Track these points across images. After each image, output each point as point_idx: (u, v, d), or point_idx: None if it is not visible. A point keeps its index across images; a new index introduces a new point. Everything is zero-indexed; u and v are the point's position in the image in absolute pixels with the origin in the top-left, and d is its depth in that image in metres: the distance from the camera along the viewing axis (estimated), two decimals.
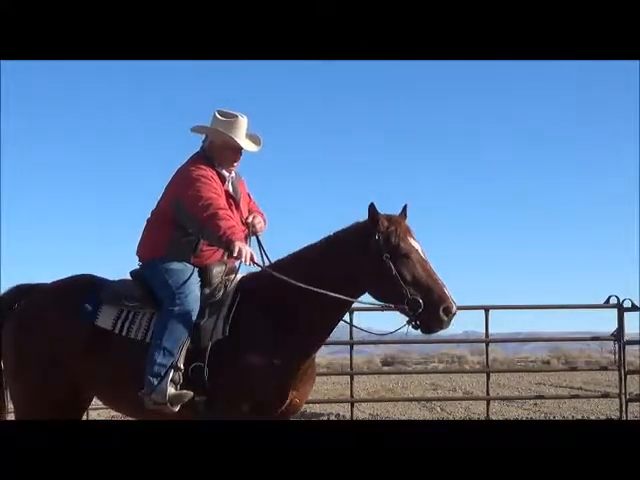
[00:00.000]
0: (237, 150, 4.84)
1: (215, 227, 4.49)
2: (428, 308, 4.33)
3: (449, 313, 4.35)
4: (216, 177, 4.72)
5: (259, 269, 4.71)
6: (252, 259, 4.50)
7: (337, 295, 4.45)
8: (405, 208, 4.62)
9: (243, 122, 4.84)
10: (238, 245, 4.42)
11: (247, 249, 4.47)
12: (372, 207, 4.50)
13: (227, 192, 4.80)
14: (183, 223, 4.67)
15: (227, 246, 4.46)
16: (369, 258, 4.45)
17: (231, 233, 4.46)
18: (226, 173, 4.84)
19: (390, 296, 4.45)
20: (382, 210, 4.56)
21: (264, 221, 5.00)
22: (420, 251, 4.50)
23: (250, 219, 4.88)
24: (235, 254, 4.42)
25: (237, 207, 4.84)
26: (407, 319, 4.42)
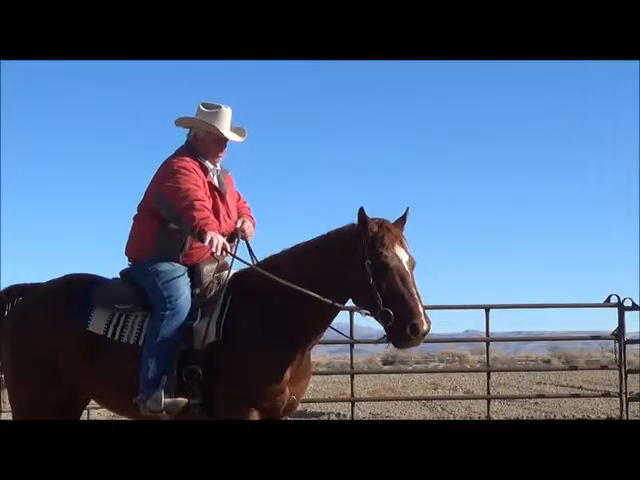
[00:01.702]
0: (221, 141, 4.80)
1: (189, 218, 4.46)
2: (397, 323, 4.18)
3: (416, 331, 4.16)
4: (198, 169, 4.68)
5: (248, 266, 4.69)
6: (224, 249, 4.44)
7: (317, 296, 4.36)
8: (406, 212, 4.50)
9: (227, 112, 4.80)
10: (210, 235, 4.38)
11: (219, 239, 4.41)
12: (361, 211, 4.37)
13: (211, 184, 4.74)
14: (164, 216, 4.64)
15: (199, 236, 4.43)
16: (352, 263, 4.33)
17: (204, 224, 4.42)
18: (210, 165, 4.80)
19: (365, 304, 4.36)
20: (385, 211, 4.49)
21: (253, 225, 4.96)
22: (405, 262, 4.32)
23: (239, 224, 4.84)
24: (206, 243, 4.38)
25: (223, 200, 4.79)
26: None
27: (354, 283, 4.35)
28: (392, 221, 4.49)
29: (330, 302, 4.40)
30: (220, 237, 4.44)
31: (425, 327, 4.17)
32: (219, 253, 4.42)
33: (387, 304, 4.22)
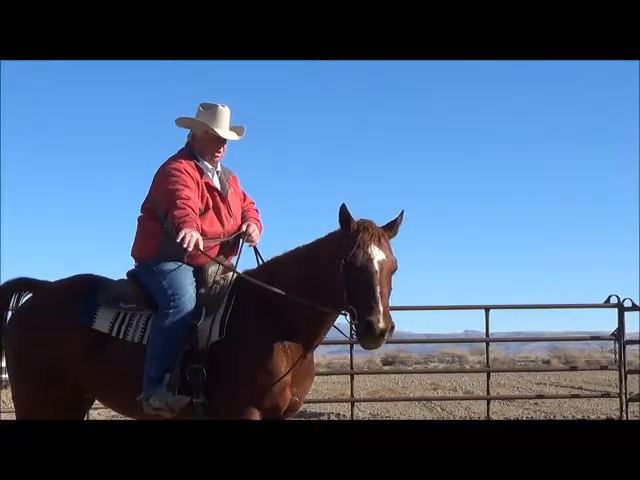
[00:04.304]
0: (218, 140, 4.81)
1: (171, 217, 4.50)
2: (358, 321, 4.13)
3: (371, 329, 4.04)
4: (192, 169, 4.70)
5: (255, 265, 4.76)
6: (197, 246, 4.41)
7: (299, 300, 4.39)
8: (401, 214, 4.44)
9: (224, 112, 4.82)
10: (184, 231, 4.37)
11: (192, 235, 4.37)
12: (343, 208, 4.33)
13: (208, 184, 4.76)
14: (159, 217, 4.68)
15: (176, 234, 4.41)
16: (333, 262, 4.28)
17: (182, 222, 4.43)
18: (209, 165, 4.83)
19: (337, 303, 4.32)
20: (388, 211, 4.46)
21: (259, 228, 4.96)
22: (376, 261, 4.20)
23: (244, 228, 4.84)
24: (178, 240, 4.36)
25: (223, 200, 4.80)
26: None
27: (330, 282, 4.31)
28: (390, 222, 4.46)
29: (326, 310, 4.41)
30: (195, 233, 4.41)
31: (381, 325, 4.05)
32: (190, 249, 4.40)
33: (353, 303, 4.18)
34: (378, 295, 4.13)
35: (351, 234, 4.29)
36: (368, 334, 4.09)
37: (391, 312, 4.18)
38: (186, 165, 4.70)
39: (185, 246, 4.36)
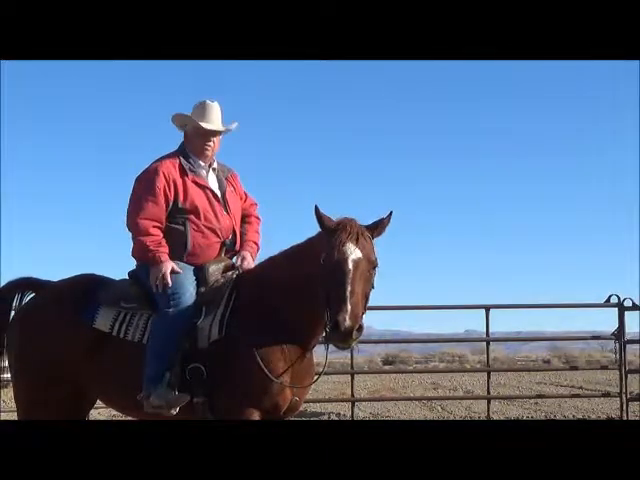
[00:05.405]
0: (206, 135, 4.79)
1: (132, 248, 4.68)
2: (329, 320, 4.13)
3: (336, 328, 4.03)
4: (173, 169, 4.70)
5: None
6: (165, 281, 4.56)
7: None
8: (390, 215, 4.40)
9: (212, 107, 4.81)
10: (154, 271, 4.58)
11: (158, 274, 4.55)
12: (316, 209, 4.33)
13: (196, 182, 4.74)
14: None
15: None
16: (316, 261, 4.26)
17: (153, 258, 4.60)
18: (202, 162, 4.82)
19: (322, 302, 4.28)
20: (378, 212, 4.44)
21: (255, 251, 4.96)
22: (351, 259, 4.16)
23: (239, 261, 4.84)
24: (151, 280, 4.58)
25: (217, 197, 4.80)
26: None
27: (317, 282, 4.29)
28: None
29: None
30: (161, 269, 4.56)
31: (347, 324, 4.01)
32: (160, 289, 4.57)
33: (327, 302, 4.17)
34: (347, 294, 4.09)
35: (330, 233, 4.28)
36: (334, 333, 4.07)
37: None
38: (168, 166, 4.70)
39: (157, 284, 4.56)
